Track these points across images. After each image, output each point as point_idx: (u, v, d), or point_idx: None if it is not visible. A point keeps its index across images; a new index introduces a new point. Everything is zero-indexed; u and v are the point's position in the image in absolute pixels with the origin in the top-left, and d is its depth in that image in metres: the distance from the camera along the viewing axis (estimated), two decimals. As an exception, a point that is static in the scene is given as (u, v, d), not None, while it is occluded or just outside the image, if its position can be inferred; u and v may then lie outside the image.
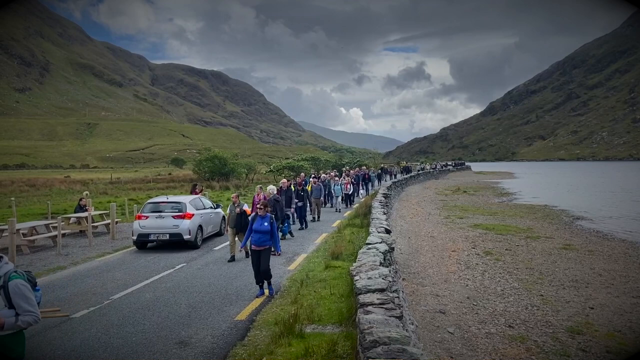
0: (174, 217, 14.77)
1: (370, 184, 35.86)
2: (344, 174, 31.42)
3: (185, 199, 16.00)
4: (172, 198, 16.26)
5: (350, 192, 27.06)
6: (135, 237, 14.95)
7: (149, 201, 16.65)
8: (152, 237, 14.81)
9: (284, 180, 18.00)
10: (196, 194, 20.63)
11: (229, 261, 12.96)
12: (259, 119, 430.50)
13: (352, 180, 28.65)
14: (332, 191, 25.66)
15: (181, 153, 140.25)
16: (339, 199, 25.29)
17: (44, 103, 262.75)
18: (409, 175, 59.03)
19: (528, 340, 9.02)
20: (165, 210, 15.12)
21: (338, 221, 20.63)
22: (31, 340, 7.35)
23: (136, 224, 14.96)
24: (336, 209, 24.98)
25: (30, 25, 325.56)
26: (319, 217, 21.52)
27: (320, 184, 22.76)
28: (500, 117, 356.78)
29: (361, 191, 33.42)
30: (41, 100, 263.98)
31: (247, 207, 13.47)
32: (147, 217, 14.95)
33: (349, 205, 26.88)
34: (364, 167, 43.30)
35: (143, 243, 15.00)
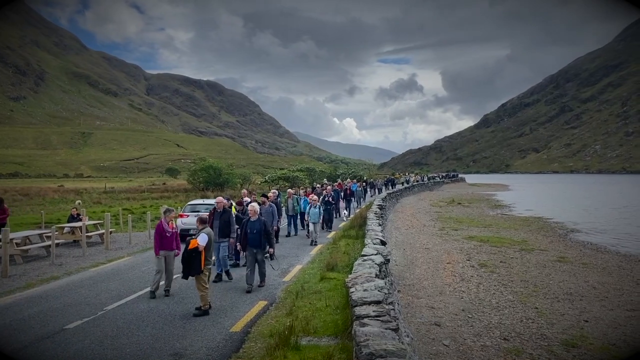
0: None
1: (353, 201, 30.16)
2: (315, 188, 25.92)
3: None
4: (207, 200, 19.80)
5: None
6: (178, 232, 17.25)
7: (188, 203, 20.60)
8: (191, 232, 16.26)
9: (220, 198, 13.53)
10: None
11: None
12: (254, 129, 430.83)
13: (330, 198, 22.31)
14: (306, 215, 19.11)
15: (176, 163, 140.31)
16: (317, 226, 18.43)
17: (39, 112, 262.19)
18: (393, 188, 51.12)
19: (523, 353, 9.01)
20: (202, 210, 17.69)
21: (333, 232, 20.58)
22: (23, 351, 7.31)
23: (179, 221, 17.93)
24: (311, 241, 18.01)
25: (26, 34, 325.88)
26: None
27: (273, 206, 15.91)
28: (494, 129, 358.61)
29: (344, 211, 27.29)
30: (36, 109, 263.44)
31: (198, 239, 9.37)
32: (187, 215, 18.21)
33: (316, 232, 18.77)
34: (348, 180, 38.09)
35: (183, 237, 16.73)
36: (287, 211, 20.46)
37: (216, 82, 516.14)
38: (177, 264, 11.79)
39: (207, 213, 13.12)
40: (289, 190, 22.73)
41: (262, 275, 11.40)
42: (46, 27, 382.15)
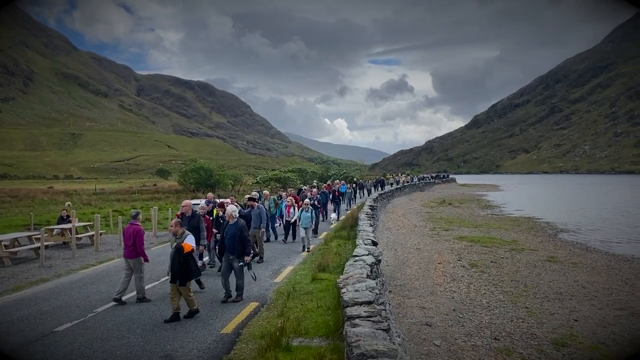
0: None
1: (342, 203, 29.26)
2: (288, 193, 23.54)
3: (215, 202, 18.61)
4: (203, 200, 19.93)
5: (292, 220, 18.48)
6: None
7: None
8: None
9: (187, 201, 12.77)
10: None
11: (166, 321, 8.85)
12: (245, 130, 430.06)
13: (316, 200, 20.59)
14: (297, 219, 17.51)
15: (166, 164, 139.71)
16: (308, 231, 16.82)
17: (28, 113, 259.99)
18: (383, 189, 48.48)
19: (514, 353, 9.06)
20: (199, 210, 17.30)
21: (325, 233, 20.58)
22: (12, 354, 7.23)
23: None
24: (303, 247, 16.67)
25: (15, 35, 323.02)
26: (261, 256, 14.71)
27: (262, 207, 15.52)
28: (485, 130, 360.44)
29: (332, 214, 24.73)
30: (25, 110, 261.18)
31: (189, 242, 9.16)
32: None
33: (293, 239, 18.47)
34: (337, 181, 37.62)
35: None
36: None
37: (207, 82, 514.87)
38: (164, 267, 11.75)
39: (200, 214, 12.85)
40: (265, 191, 22.00)
41: (238, 288, 10.25)
42: (35, 27, 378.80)
